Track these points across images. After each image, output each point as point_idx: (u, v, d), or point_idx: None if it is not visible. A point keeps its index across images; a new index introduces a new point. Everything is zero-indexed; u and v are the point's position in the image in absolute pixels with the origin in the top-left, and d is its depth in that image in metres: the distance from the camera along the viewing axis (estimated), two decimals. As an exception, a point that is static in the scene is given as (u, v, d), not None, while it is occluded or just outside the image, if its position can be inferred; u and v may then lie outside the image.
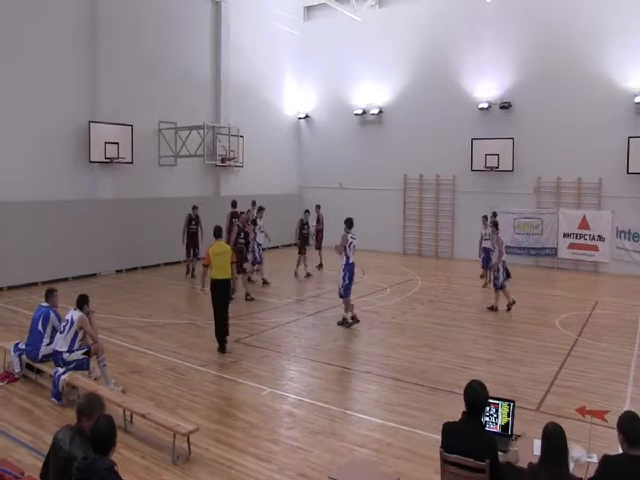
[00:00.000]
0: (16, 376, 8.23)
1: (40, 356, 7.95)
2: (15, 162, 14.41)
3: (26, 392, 7.70)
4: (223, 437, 6.49)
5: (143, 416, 6.36)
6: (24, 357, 8.25)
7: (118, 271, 17.09)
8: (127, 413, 6.69)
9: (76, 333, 7.64)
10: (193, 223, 16.75)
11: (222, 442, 6.36)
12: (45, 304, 8.19)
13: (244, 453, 6.13)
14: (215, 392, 7.92)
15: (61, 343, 7.61)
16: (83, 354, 7.70)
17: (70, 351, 7.59)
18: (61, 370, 7.48)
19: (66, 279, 15.47)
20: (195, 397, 7.70)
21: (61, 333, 7.67)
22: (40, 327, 8.00)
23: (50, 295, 8.24)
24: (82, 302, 7.83)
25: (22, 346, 8.40)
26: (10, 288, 14.23)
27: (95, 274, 16.38)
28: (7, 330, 10.50)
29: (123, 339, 10.19)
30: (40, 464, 4.36)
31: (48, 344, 7.93)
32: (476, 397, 4.35)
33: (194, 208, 16.80)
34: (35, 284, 14.74)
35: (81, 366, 7.71)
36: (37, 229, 14.72)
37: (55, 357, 7.67)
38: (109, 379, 7.73)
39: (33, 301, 13.14)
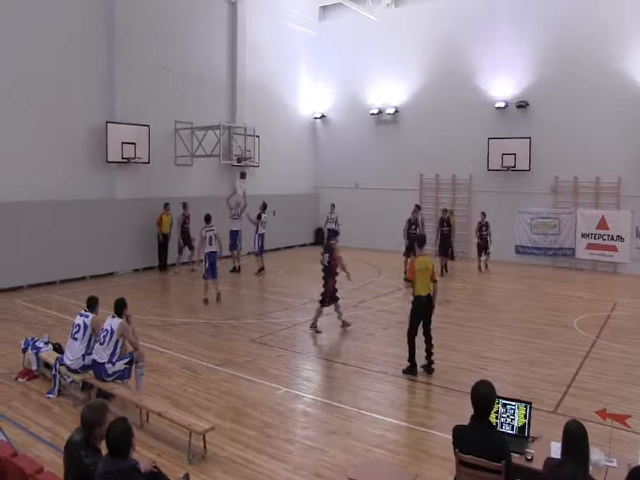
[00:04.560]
0: (35, 373, 8.29)
1: (79, 366, 7.48)
2: (33, 162, 14.58)
3: (45, 389, 7.75)
4: (238, 436, 6.50)
5: (159, 414, 6.40)
6: (42, 355, 8.29)
7: (135, 270, 17.22)
8: (143, 412, 6.74)
9: (117, 342, 7.19)
10: (187, 222, 17.55)
11: (237, 441, 6.38)
12: (85, 311, 7.76)
13: (259, 452, 6.14)
14: (230, 391, 7.94)
15: (102, 354, 7.18)
16: (125, 364, 7.27)
17: (112, 362, 7.17)
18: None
19: (84, 278, 15.64)
20: (211, 396, 7.73)
21: (101, 344, 7.22)
22: (79, 336, 7.56)
23: (94, 304, 7.83)
24: (121, 307, 7.36)
25: (39, 344, 8.47)
26: (30, 286, 14.42)
27: (112, 273, 16.52)
28: (27, 328, 10.63)
29: (139, 338, 10.23)
30: (59, 460, 4.40)
31: (89, 353, 7.48)
32: (485, 398, 4.30)
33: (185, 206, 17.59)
34: (53, 283, 14.93)
35: (122, 376, 7.28)
36: (55, 229, 14.87)
37: (96, 369, 7.24)
38: (142, 389, 7.39)
39: (51, 299, 13.33)
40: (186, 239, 17.50)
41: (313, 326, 11.01)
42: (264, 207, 17.55)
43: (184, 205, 17.50)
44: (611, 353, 9.78)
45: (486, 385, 4.36)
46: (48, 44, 14.80)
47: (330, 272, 11.03)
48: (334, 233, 11.56)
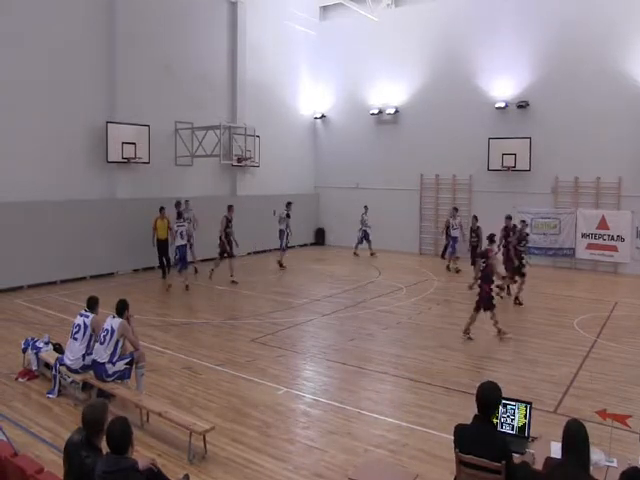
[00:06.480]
0: (35, 373, 8.29)
1: (80, 366, 7.50)
2: (33, 162, 14.58)
3: (45, 389, 7.76)
4: (239, 436, 6.50)
5: (159, 414, 6.40)
6: (42, 355, 8.30)
7: (135, 270, 17.22)
8: (144, 412, 6.74)
9: (117, 342, 7.20)
10: (230, 225, 15.96)
11: (238, 441, 6.38)
12: (85, 311, 7.76)
13: (260, 452, 6.14)
14: (231, 391, 7.94)
15: (102, 354, 7.18)
16: (126, 364, 7.27)
17: (112, 362, 7.17)
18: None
19: (84, 278, 15.65)
20: (211, 396, 7.74)
21: (101, 344, 7.22)
22: (79, 336, 7.57)
23: (94, 304, 7.84)
24: (122, 308, 7.39)
25: (39, 344, 8.47)
26: (30, 286, 14.42)
27: (112, 273, 16.53)
28: (27, 328, 10.63)
29: (140, 338, 10.22)
30: (59, 460, 4.40)
31: (89, 354, 7.50)
32: (488, 398, 4.30)
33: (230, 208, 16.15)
34: (54, 283, 14.93)
35: (122, 376, 7.30)
36: (55, 229, 14.88)
37: (96, 369, 7.25)
38: (142, 389, 7.38)
39: (52, 299, 13.33)
40: (225, 244, 15.84)
41: (466, 332, 10.64)
42: (286, 205, 18.66)
43: (229, 208, 16.03)
44: (611, 353, 9.78)
45: (492, 386, 4.36)
46: (49, 44, 14.79)
47: (485, 277, 10.56)
48: (492, 236, 11.25)
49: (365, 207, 21.27)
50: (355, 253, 21.41)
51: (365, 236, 21.30)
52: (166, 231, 16.09)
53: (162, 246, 16.21)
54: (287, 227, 18.50)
